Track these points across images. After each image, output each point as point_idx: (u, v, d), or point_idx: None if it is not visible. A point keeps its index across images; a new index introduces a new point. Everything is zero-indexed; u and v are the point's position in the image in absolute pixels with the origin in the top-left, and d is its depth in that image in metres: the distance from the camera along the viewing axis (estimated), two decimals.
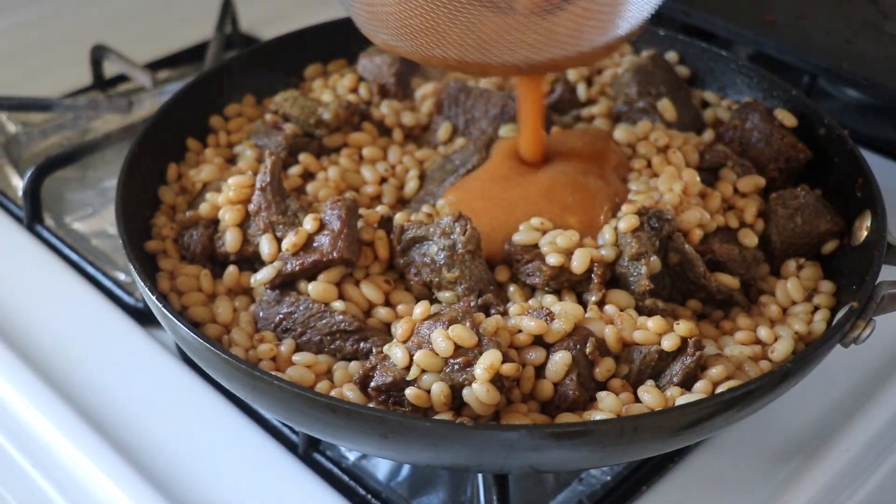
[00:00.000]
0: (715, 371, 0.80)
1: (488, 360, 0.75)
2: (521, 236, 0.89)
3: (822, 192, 0.99)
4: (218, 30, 1.50)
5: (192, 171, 1.02)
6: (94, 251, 1.18)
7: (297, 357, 0.84)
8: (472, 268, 0.86)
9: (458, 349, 0.76)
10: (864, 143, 1.31)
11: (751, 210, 0.96)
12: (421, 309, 0.80)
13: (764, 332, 0.87)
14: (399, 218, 0.91)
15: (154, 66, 1.49)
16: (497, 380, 0.75)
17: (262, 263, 0.90)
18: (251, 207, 0.91)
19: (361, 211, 0.91)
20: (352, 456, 0.93)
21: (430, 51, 0.86)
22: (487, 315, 0.81)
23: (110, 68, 1.46)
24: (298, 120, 1.08)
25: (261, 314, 0.87)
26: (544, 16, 0.83)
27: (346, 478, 0.90)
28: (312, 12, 1.38)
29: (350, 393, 0.80)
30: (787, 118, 1.04)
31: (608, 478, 0.91)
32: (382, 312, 0.87)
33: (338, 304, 0.86)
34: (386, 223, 0.91)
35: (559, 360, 0.78)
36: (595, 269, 0.86)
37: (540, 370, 0.79)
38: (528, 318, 0.79)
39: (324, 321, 0.85)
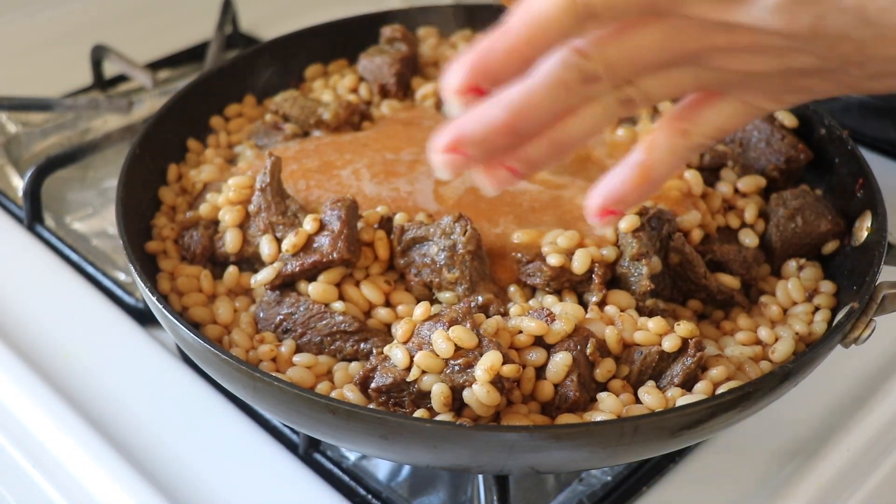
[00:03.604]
0: (715, 372, 0.80)
1: (489, 362, 0.75)
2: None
3: (822, 192, 0.99)
4: (218, 30, 1.50)
5: (193, 171, 1.03)
6: (94, 251, 1.18)
7: (297, 358, 0.84)
8: (473, 268, 0.86)
9: (459, 350, 0.76)
10: (865, 144, 1.31)
11: (751, 210, 0.96)
12: (421, 310, 0.80)
13: (764, 333, 0.87)
14: (399, 218, 0.91)
15: (154, 66, 1.49)
16: (497, 381, 0.75)
17: (263, 264, 0.90)
18: (251, 208, 0.91)
19: (361, 211, 0.91)
20: (352, 456, 0.93)
21: None
22: (488, 316, 0.81)
23: (110, 68, 1.46)
24: (298, 120, 1.08)
25: (261, 315, 0.88)
26: None
27: (346, 478, 0.90)
28: (313, 13, 1.38)
29: (350, 394, 0.80)
30: (787, 118, 1.04)
31: (608, 478, 0.91)
32: (383, 313, 0.87)
33: (338, 305, 0.86)
34: (386, 223, 0.91)
35: (560, 361, 0.78)
36: (596, 269, 0.86)
37: (540, 371, 0.79)
38: (528, 318, 0.79)
39: (324, 322, 0.85)
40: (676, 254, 0.88)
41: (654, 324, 0.81)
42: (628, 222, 0.88)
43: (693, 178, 0.95)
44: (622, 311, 0.84)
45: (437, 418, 0.76)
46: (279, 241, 0.89)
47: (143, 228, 0.96)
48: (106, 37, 1.46)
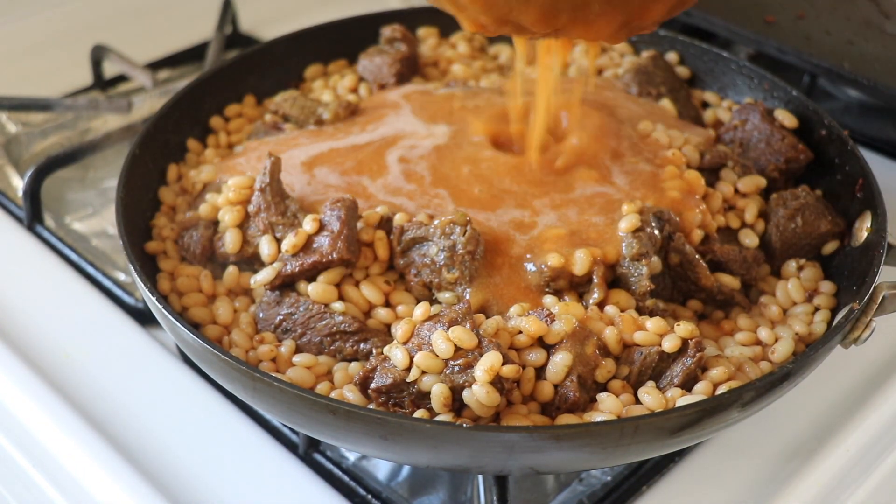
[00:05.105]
0: (715, 372, 0.80)
1: (488, 362, 0.75)
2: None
3: (822, 192, 0.99)
4: (218, 30, 1.50)
5: (193, 171, 1.02)
6: (94, 251, 1.18)
7: (297, 358, 0.84)
8: (473, 269, 0.86)
9: (459, 351, 0.76)
10: (865, 144, 1.31)
11: (751, 210, 0.96)
12: (421, 310, 0.80)
13: (764, 333, 0.87)
14: (399, 219, 0.91)
15: (154, 66, 1.49)
16: (497, 381, 0.75)
17: (263, 264, 0.90)
18: (251, 208, 0.91)
19: (361, 212, 0.91)
20: (352, 456, 0.93)
21: None
22: (488, 316, 0.81)
23: (110, 68, 1.46)
24: (298, 120, 1.08)
25: (261, 315, 0.87)
26: None
27: (346, 478, 0.90)
28: (312, 13, 1.38)
29: (350, 394, 0.80)
30: (787, 119, 1.04)
31: (608, 478, 0.91)
32: (382, 313, 0.87)
33: (338, 305, 0.86)
34: (386, 224, 0.91)
35: (559, 362, 0.78)
36: (596, 269, 0.86)
37: (540, 371, 0.79)
38: (528, 319, 0.79)
39: (324, 322, 0.85)
40: (676, 254, 0.88)
41: (654, 324, 0.81)
42: (628, 222, 0.88)
43: (693, 178, 0.95)
44: (622, 311, 0.84)
45: (437, 419, 0.76)
46: (279, 241, 0.89)
47: (143, 228, 0.96)
48: (106, 37, 1.46)
